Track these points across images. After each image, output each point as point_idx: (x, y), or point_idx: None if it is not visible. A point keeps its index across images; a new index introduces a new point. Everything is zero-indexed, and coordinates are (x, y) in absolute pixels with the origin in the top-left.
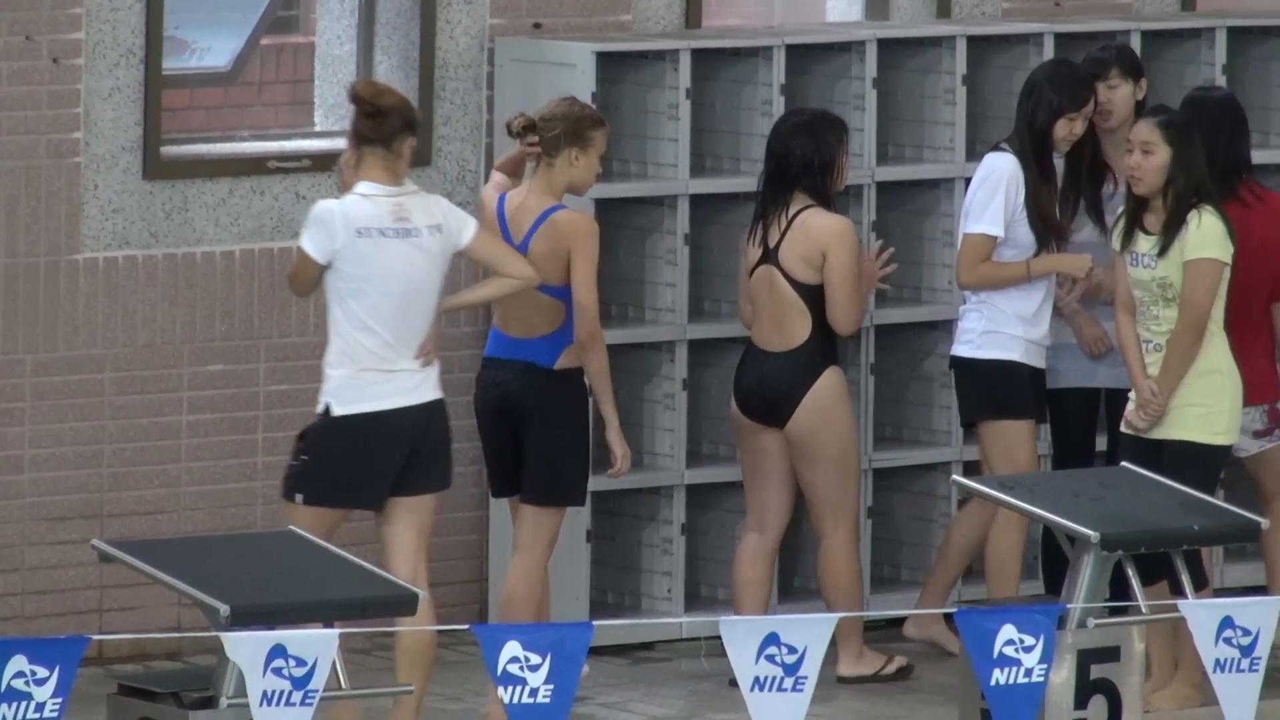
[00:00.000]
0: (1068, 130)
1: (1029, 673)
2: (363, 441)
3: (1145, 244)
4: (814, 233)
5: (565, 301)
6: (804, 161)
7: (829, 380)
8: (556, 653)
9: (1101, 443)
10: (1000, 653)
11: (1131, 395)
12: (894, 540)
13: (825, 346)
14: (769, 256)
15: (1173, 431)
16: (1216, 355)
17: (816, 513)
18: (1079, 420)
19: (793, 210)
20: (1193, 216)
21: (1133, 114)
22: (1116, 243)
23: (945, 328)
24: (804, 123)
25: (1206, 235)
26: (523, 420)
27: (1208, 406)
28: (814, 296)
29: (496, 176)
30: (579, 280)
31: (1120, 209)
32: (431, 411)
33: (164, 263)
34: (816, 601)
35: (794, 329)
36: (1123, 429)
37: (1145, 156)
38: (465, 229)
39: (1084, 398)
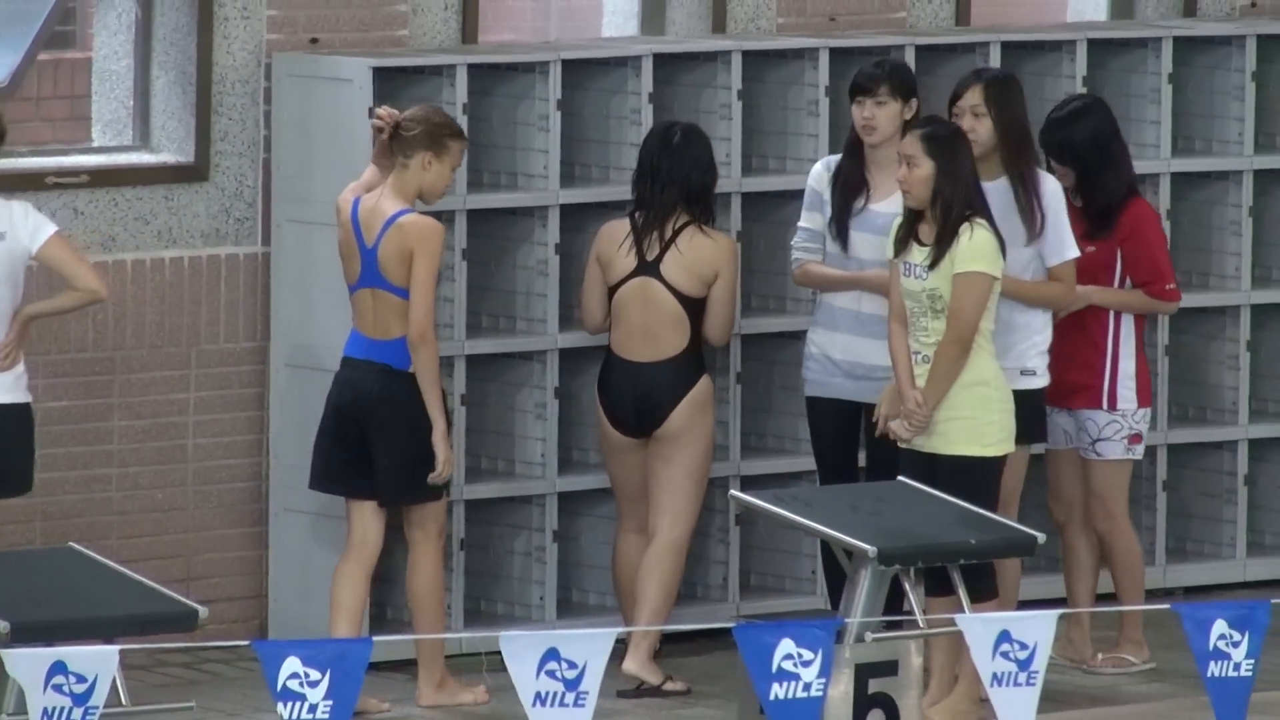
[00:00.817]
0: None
1: (808, 687)
2: None
3: (918, 254)
4: (709, 252)
5: None
6: (703, 179)
7: (704, 386)
8: (336, 668)
9: (862, 458)
10: (779, 667)
11: None
12: (760, 549)
13: (699, 355)
14: (647, 268)
15: (943, 446)
16: (983, 367)
17: (659, 509)
18: (840, 433)
19: (677, 224)
20: (964, 230)
21: (899, 133)
22: (890, 251)
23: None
24: (694, 135)
25: (977, 249)
26: (372, 422)
27: (975, 419)
28: (695, 308)
29: (367, 173)
30: (415, 282)
31: (898, 219)
32: None
33: None
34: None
35: (671, 339)
36: (900, 444)
37: (910, 169)
38: (38, 237)
39: (842, 408)
